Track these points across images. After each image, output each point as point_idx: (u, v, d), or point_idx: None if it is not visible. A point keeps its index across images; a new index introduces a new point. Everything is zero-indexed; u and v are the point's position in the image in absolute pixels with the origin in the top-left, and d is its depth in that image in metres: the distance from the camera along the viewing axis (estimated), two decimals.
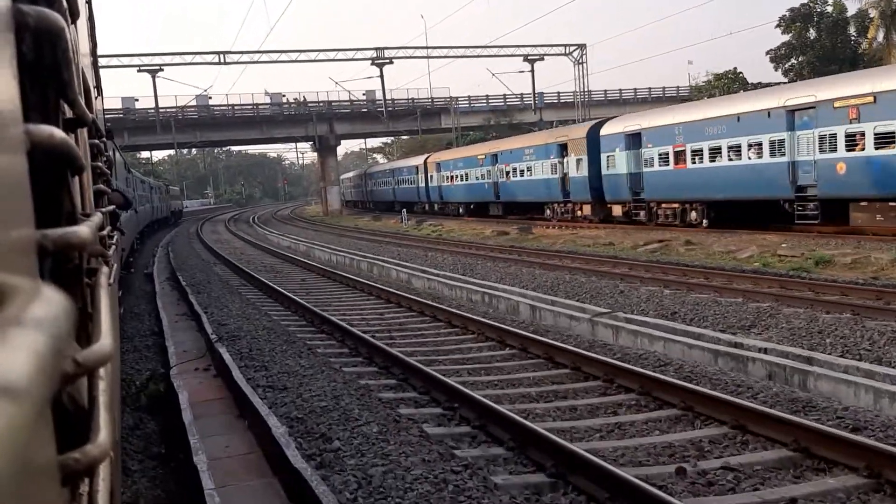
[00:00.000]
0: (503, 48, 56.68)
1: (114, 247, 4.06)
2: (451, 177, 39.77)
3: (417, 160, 47.03)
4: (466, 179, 37.53)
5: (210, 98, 55.46)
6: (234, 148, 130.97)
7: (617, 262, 15.46)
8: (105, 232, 3.06)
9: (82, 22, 2.67)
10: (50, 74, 1.10)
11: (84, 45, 2.94)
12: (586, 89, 55.82)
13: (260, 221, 54.15)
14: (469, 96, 64.91)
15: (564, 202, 28.78)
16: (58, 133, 0.86)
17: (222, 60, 50.31)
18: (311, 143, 63.91)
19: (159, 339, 11.33)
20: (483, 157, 35.44)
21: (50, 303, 0.51)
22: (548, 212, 30.35)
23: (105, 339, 0.90)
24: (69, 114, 1.54)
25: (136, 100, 52.46)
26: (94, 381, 0.94)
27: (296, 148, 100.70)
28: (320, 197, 68.86)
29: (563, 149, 28.30)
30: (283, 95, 58.52)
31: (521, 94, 67.18)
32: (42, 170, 1.01)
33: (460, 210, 39.71)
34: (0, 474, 0.35)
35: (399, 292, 13.14)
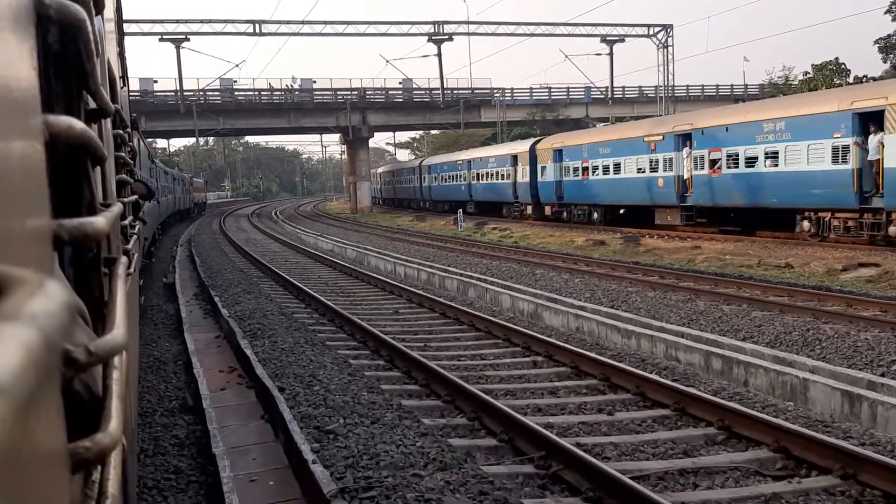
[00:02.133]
0: (578, 27, 50.90)
1: (135, 236, 3.87)
2: (585, 169, 28.06)
3: (515, 147, 36.09)
4: (617, 172, 25.98)
5: (235, 81, 50.97)
6: (252, 140, 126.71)
7: (850, 299, 10.64)
8: (127, 222, 3.07)
9: (109, 12, 2.68)
10: (72, 65, 1.11)
11: (110, 36, 2.93)
12: (672, 80, 48.69)
13: (285, 217, 49.69)
14: (512, 88, 60.00)
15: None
16: (77, 124, 0.84)
17: (258, 31, 45.35)
18: (340, 134, 59.29)
19: (195, 426, 6.69)
20: (657, 138, 23.85)
21: (50, 296, 0.52)
22: (835, 223, 17.67)
23: (118, 330, 0.92)
24: (93, 104, 1.53)
25: (155, 81, 47.96)
26: (107, 371, 0.92)
27: (320, 140, 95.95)
28: (347, 192, 64.24)
29: None
30: (314, 81, 53.97)
31: (568, 87, 62.37)
32: (62, 160, 1.01)
33: (594, 216, 28.15)
34: None
35: (573, 348, 8.29)
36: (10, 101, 0.54)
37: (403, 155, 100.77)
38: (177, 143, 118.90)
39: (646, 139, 24.54)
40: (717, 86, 67.86)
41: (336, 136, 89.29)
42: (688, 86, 66.85)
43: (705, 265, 15.58)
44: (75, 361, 0.62)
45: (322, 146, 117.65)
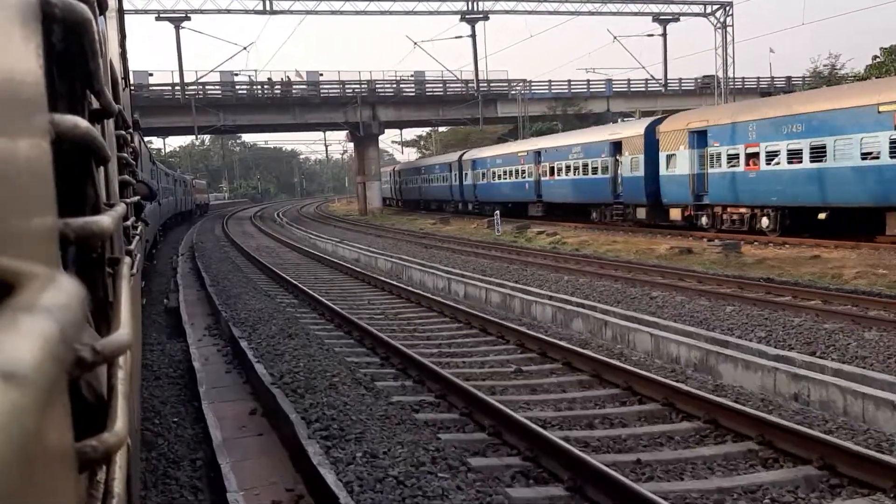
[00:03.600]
0: (628, 4, 46.60)
1: (138, 237, 3.88)
2: (752, 156, 20.30)
3: (617, 130, 27.71)
4: (818, 160, 18.15)
5: (236, 74, 47.32)
6: (249, 139, 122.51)
7: None
8: (129, 222, 3.11)
9: (111, 13, 2.70)
10: (77, 65, 1.12)
11: (113, 36, 2.92)
12: (733, 66, 42.86)
13: (290, 220, 46.21)
14: (530, 81, 56.28)
15: None
16: (82, 123, 0.85)
17: (269, 9, 41.35)
18: (347, 131, 55.61)
19: None
20: None
21: (63, 290, 0.52)
22: None
23: (124, 329, 0.91)
24: (96, 104, 1.52)
25: (151, 74, 44.29)
26: (112, 370, 0.91)
27: (324, 138, 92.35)
28: (356, 193, 60.57)
29: None
30: (320, 74, 50.38)
31: (588, 79, 58.88)
32: (67, 160, 1.01)
33: (762, 222, 20.30)
34: (2, 459, 0.37)
35: None
36: (17, 100, 0.54)
37: (405, 154, 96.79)
38: (171, 143, 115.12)
39: (883, 108, 16.35)
40: (744, 78, 64.38)
41: (336, 135, 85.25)
42: (716, 76, 63.31)
43: (864, 284, 12.08)
44: (82, 360, 0.62)
45: (325, 144, 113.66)
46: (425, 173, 51.76)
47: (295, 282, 14.36)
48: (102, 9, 1.83)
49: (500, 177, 36.93)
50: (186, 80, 44.79)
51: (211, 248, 24.48)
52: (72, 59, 1.07)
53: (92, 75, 1.14)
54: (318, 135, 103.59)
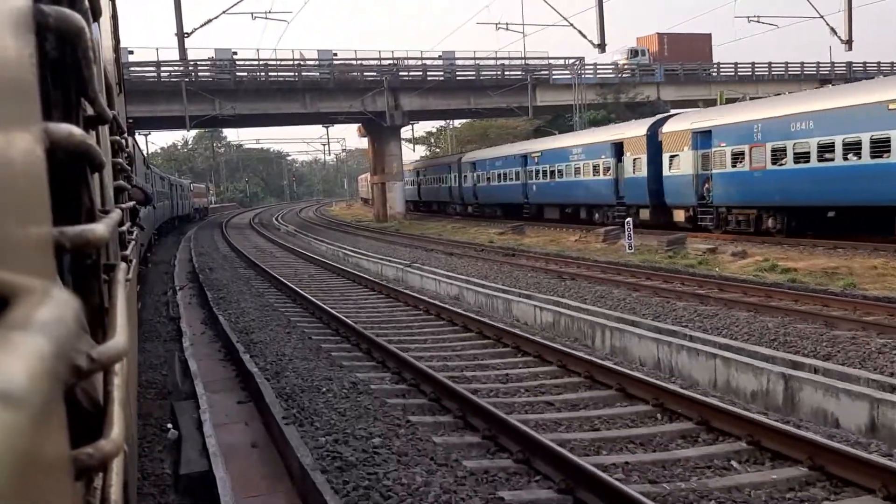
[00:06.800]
0: None
1: (133, 242, 3.88)
2: None
3: None
4: None
5: (235, 53, 39.18)
6: (234, 139, 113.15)
7: None
8: (125, 227, 3.10)
9: (105, 19, 2.70)
10: (71, 73, 1.12)
11: (107, 43, 2.95)
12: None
13: (298, 228, 38.53)
14: (581, 58, 48.11)
15: None
16: (76, 131, 0.85)
17: None
18: (360, 124, 47.67)
19: None
20: None
21: (59, 304, 0.53)
22: None
23: (120, 337, 0.91)
24: (90, 111, 1.52)
25: (131, 52, 36.04)
26: (108, 378, 0.91)
27: (327, 134, 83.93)
28: (370, 196, 52.51)
29: None
30: (335, 53, 42.38)
31: (637, 63, 51.30)
32: (61, 167, 1.03)
33: None
34: None
35: None
36: (11, 109, 0.54)
37: (415, 153, 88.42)
38: (152, 140, 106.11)
39: None
40: (802, 63, 57.09)
41: (335, 131, 76.46)
42: (770, 63, 56.07)
43: None
44: (78, 369, 0.63)
45: (326, 142, 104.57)
46: (542, 163, 32.75)
47: (473, 397, 6.40)
48: (96, 15, 1.78)
49: (802, 159, 18.06)
50: (171, 57, 36.54)
51: (228, 279, 16.27)
52: (66, 66, 1.06)
53: (86, 83, 1.14)
54: (317, 132, 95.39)
